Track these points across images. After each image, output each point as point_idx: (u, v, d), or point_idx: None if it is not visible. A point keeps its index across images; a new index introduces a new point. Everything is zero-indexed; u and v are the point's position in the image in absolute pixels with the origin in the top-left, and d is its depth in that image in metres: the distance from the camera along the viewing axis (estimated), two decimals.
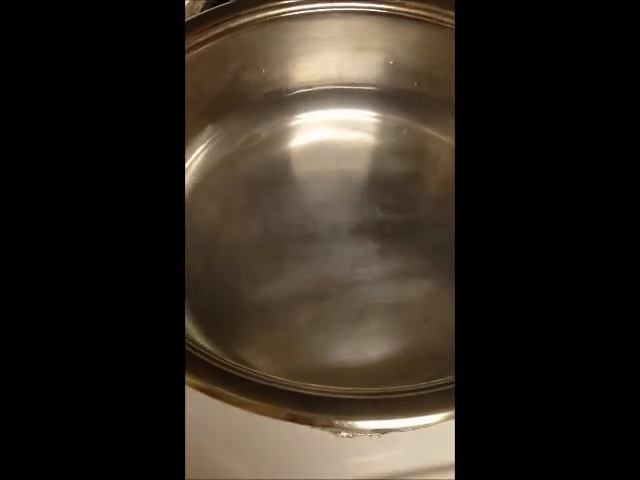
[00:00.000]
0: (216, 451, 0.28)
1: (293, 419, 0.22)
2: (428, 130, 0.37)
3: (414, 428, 0.23)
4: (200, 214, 0.33)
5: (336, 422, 0.22)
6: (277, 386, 0.23)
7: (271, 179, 0.35)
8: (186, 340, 0.25)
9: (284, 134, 0.37)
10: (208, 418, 0.27)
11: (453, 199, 0.34)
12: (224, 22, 0.33)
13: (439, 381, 0.24)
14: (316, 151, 0.37)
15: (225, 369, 0.23)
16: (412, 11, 0.34)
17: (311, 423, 0.22)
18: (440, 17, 0.34)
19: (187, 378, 0.23)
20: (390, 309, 0.31)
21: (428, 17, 0.34)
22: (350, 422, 0.22)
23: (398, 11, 0.34)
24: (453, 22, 0.33)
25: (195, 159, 0.35)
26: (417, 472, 0.28)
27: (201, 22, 0.33)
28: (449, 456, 0.27)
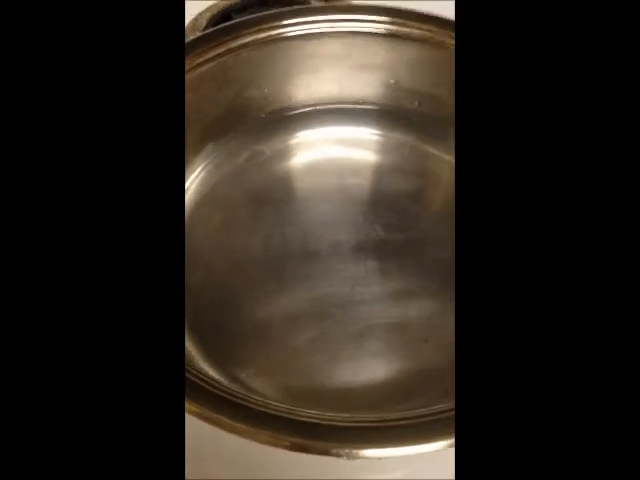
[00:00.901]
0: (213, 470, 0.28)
1: (292, 448, 0.22)
2: (430, 149, 0.37)
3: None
4: (201, 232, 0.33)
5: (335, 450, 0.22)
6: (276, 413, 0.23)
7: (272, 197, 0.35)
8: (187, 365, 0.25)
9: (286, 152, 0.37)
10: (203, 441, 0.27)
11: (454, 218, 0.34)
12: (225, 42, 0.33)
13: (440, 407, 0.24)
14: (318, 169, 0.37)
15: (222, 395, 0.23)
16: (413, 31, 0.34)
17: (311, 451, 0.22)
18: (441, 37, 0.34)
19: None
20: (390, 329, 0.31)
21: (429, 37, 0.34)
22: (349, 450, 0.22)
23: (399, 31, 0.34)
24: (453, 43, 0.34)
25: (196, 177, 0.35)
26: None
27: (202, 42, 0.33)
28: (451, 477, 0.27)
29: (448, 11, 0.33)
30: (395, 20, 0.34)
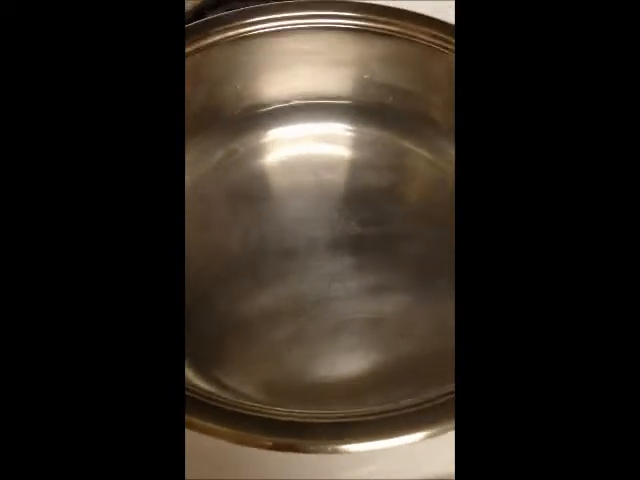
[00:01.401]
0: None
1: (278, 448, 0.22)
2: (404, 144, 0.37)
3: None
4: None
5: (320, 447, 0.22)
6: (258, 414, 0.23)
7: (248, 195, 0.35)
8: None
9: (260, 149, 0.37)
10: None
11: (430, 212, 0.35)
12: (195, 40, 0.33)
13: (417, 399, 0.24)
14: (293, 166, 0.37)
15: (201, 399, 0.23)
16: (384, 27, 0.34)
17: (297, 450, 0.22)
18: (412, 33, 0.34)
19: None
20: (366, 324, 0.31)
21: (401, 33, 0.34)
22: (335, 446, 0.22)
23: (370, 27, 0.34)
24: (426, 38, 0.34)
25: None
26: None
27: None
28: (438, 469, 0.27)
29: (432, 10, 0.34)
30: (367, 15, 0.34)
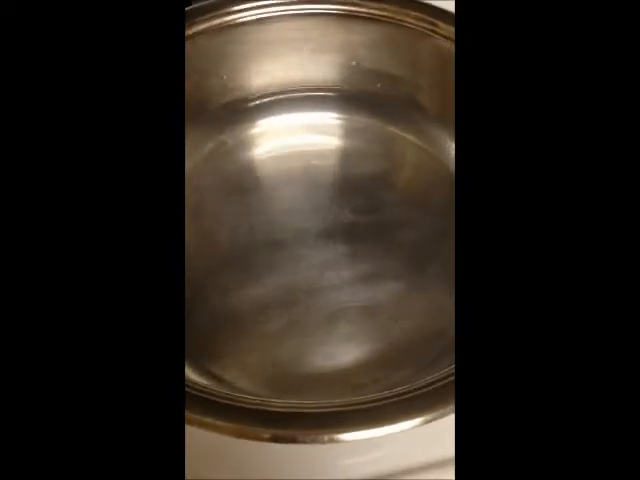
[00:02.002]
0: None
1: (276, 440, 0.22)
2: (393, 130, 0.37)
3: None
4: None
5: (318, 437, 0.22)
6: (255, 407, 0.23)
7: (238, 187, 0.35)
8: None
9: (249, 140, 0.37)
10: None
11: (422, 199, 0.35)
12: None
13: (413, 385, 0.24)
14: (282, 156, 0.36)
15: (197, 393, 0.23)
16: (371, 11, 0.34)
17: (295, 441, 0.22)
18: (400, 17, 0.34)
19: None
20: (361, 312, 0.31)
21: (388, 17, 0.34)
22: (332, 436, 0.22)
23: (356, 11, 0.34)
24: (413, 21, 0.33)
25: None
26: (408, 471, 0.28)
27: None
28: (438, 453, 0.27)
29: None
30: (353, 0, 0.34)
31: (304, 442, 0.23)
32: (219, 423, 0.23)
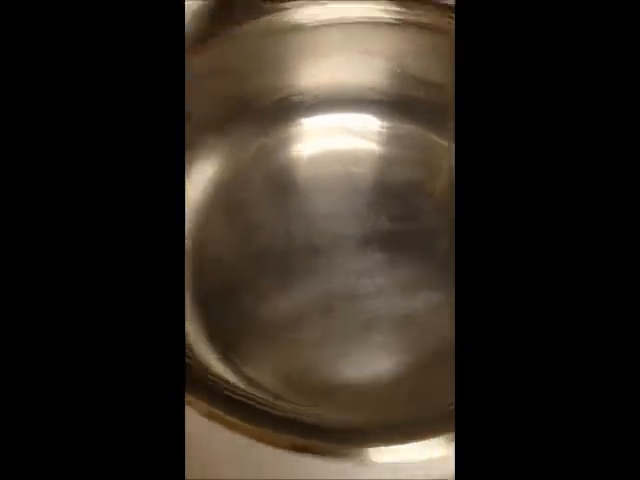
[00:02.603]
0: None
1: (296, 449, 0.22)
2: (434, 138, 0.36)
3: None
4: (205, 228, 0.33)
5: (340, 452, 0.22)
6: (279, 413, 0.23)
7: (276, 189, 0.35)
8: (193, 361, 0.25)
9: (289, 143, 0.36)
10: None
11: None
12: (223, 29, 0.32)
13: (446, 403, 0.24)
14: (322, 160, 0.36)
15: (228, 393, 0.24)
16: (419, 19, 0.33)
17: (316, 453, 0.22)
18: (446, 25, 0.33)
19: (190, 400, 0.23)
20: (396, 322, 0.31)
21: (435, 25, 0.33)
22: (355, 450, 0.22)
23: (404, 19, 0.33)
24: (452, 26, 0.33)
25: (199, 171, 0.35)
26: None
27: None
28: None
29: None
30: (400, 8, 0.34)
31: (326, 455, 0.23)
32: (245, 425, 0.23)
